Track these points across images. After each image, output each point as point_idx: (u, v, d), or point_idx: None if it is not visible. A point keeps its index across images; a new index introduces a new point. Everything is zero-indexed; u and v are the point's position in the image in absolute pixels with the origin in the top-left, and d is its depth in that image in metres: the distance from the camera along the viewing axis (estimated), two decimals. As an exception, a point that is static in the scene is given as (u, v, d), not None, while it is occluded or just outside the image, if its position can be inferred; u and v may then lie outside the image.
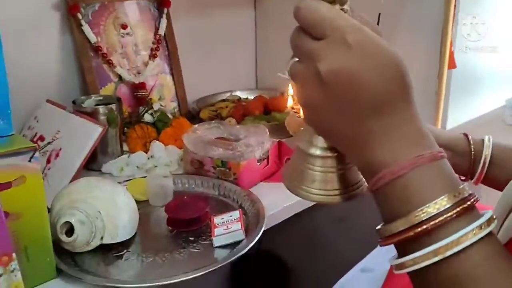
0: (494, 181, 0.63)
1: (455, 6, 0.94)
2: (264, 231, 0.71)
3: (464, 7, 0.98)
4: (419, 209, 0.33)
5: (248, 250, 0.67)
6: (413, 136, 0.35)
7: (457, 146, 0.64)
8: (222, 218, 0.71)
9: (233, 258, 0.64)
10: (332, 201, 0.40)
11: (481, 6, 1.02)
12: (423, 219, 0.32)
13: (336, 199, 0.40)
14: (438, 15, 0.96)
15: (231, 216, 0.72)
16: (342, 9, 0.36)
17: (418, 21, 1.01)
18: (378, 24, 0.92)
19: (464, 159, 0.64)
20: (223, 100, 1.25)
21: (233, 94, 1.29)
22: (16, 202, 0.56)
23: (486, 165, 0.63)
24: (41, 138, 0.89)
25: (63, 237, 0.64)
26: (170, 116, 1.09)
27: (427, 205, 0.33)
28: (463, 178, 0.67)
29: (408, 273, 0.34)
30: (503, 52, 1.12)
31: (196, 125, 0.93)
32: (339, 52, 0.33)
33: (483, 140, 0.64)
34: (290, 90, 0.90)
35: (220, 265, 0.63)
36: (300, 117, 0.84)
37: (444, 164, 0.35)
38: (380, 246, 0.37)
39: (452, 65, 0.97)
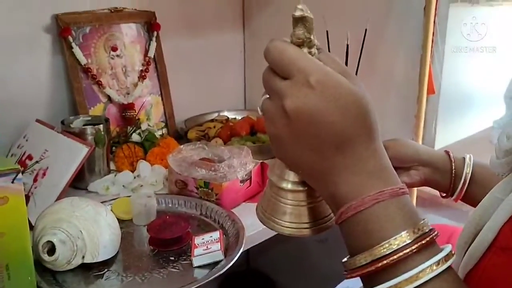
0: (474, 199, 0.64)
1: (433, 33, 0.98)
2: (251, 249, 0.72)
3: (442, 35, 1.02)
4: (380, 245, 0.34)
5: (235, 268, 0.69)
6: (375, 172, 0.36)
7: (438, 163, 0.66)
8: (203, 239, 0.73)
9: (211, 278, 0.66)
10: (302, 234, 0.42)
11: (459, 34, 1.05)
12: (385, 253, 0.34)
13: (306, 232, 0.42)
14: (417, 40, 0.99)
15: (211, 236, 0.73)
16: (309, 52, 0.38)
17: (399, 44, 1.04)
18: (364, 40, 0.92)
19: (445, 176, 0.66)
20: (212, 120, 1.28)
21: (221, 114, 1.31)
22: (-2, 222, 0.58)
23: (467, 183, 0.65)
24: (29, 157, 0.91)
25: (45, 256, 0.65)
26: (158, 136, 1.11)
27: (387, 241, 0.34)
28: (444, 194, 0.68)
29: None
30: (495, 74, 1.14)
31: (182, 146, 0.95)
32: (303, 91, 0.35)
33: (464, 158, 0.66)
34: None
35: (198, 285, 0.65)
36: None
37: (405, 200, 0.36)
38: (346, 278, 0.38)
39: (431, 90, 1.00)
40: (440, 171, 0.66)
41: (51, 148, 0.90)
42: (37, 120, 0.98)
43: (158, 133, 1.14)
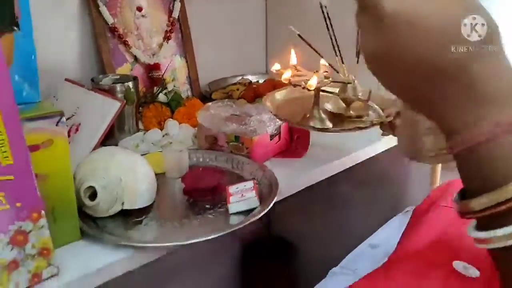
0: None
1: None
2: (272, 216, 0.73)
3: None
4: (503, 188, 0.30)
5: (257, 235, 0.69)
6: (503, 94, 0.30)
7: None
8: (237, 188, 0.74)
9: (247, 223, 0.67)
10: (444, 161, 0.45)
11: None
12: (508, 197, 0.30)
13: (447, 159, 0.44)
14: None
15: (245, 185, 0.75)
16: None
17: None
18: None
19: None
20: (235, 84, 1.28)
21: (244, 77, 1.31)
22: (43, 164, 0.59)
23: None
24: (61, 114, 0.92)
25: (87, 201, 0.67)
26: (184, 97, 1.12)
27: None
28: None
29: (493, 249, 0.32)
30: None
31: (210, 103, 0.96)
32: (377, 26, 0.31)
33: None
34: (293, 58, 0.83)
35: (235, 229, 0.66)
36: (306, 87, 0.76)
37: None
38: (462, 218, 0.34)
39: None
40: None
41: (83, 105, 0.91)
42: (67, 79, 0.99)
43: (183, 95, 1.14)
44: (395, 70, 0.33)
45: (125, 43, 1.06)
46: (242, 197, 0.72)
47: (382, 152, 1.00)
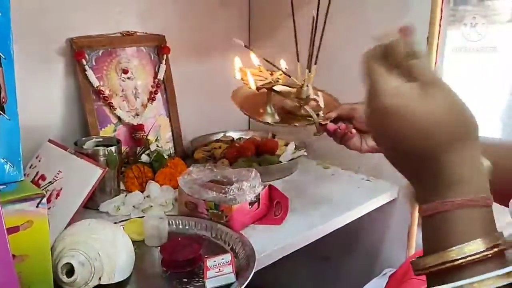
0: None
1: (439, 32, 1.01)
2: (256, 271, 0.75)
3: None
4: (451, 249, 0.36)
5: None
6: (465, 179, 0.37)
7: None
8: (215, 261, 0.75)
9: (224, 300, 0.68)
10: None
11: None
12: (454, 258, 0.36)
13: None
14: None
15: (223, 259, 0.76)
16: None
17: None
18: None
19: None
20: (217, 140, 1.30)
21: (226, 134, 1.34)
22: (22, 245, 0.60)
23: None
24: (43, 177, 0.93)
25: (64, 278, 0.67)
26: (166, 157, 1.14)
27: (460, 246, 0.36)
28: None
29: None
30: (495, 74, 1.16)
31: (191, 168, 0.98)
32: (373, 108, 0.39)
33: None
34: (237, 63, 0.91)
35: (211, 307, 0.67)
36: (249, 87, 0.86)
37: (487, 210, 0.38)
38: (415, 275, 0.40)
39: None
40: None
41: (65, 169, 0.92)
42: (50, 141, 1.00)
43: (166, 154, 1.16)
44: (389, 146, 0.40)
45: (109, 105, 1.08)
46: (219, 272, 0.73)
47: (360, 216, 1.03)
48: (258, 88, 0.85)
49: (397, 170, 0.42)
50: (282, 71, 0.87)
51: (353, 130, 0.83)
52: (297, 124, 0.86)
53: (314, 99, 0.87)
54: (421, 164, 0.38)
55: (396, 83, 0.38)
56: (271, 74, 0.89)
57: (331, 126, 0.83)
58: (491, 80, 1.10)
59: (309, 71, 0.87)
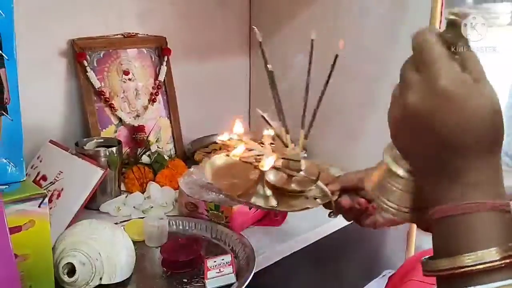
0: None
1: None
2: (255, 272, 0.75)
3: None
4: (466, 255, 0.35)
5: None
6: (482, 184, 0.37)
7: None
8: (215, 261, 0.76)
9: (224, 301, 0.69)
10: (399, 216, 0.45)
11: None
12: (468, 264, 0.35)
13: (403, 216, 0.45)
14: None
15: (223, 259, 0.76)
16: (454, 53, 0.38)
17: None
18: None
19: None
20: (217, 142, 1.31)
21: (226, 136, 1.34)
22: (24, 244, 0.61)
23: None
24: (44, 178, 0.94)
25: (65, 277, 0.68)
26: (166, 158, 1.14)
27: (475, 253, 0.35)
28: None
29: None
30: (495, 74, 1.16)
31: (191, 169, 0.98)
32: (427, 92, 0.37)
33: None
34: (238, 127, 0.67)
35: (211, 307, 0.67)
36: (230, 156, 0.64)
37: (503, 217, 0.36)
38: (424, 276, 0.39)
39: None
40: None
41: (66, 170, 0.92)
42: (51, 141, 1.01)
43: (166, 155, 1.17)
44: (421, 133, 0.38)
45: (110, 106, 1.09)
46: (219, 272, 0.73)
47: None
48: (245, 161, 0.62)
49: (414, 166, 0.41)
50: (278, 136, 0.64)
51: (374, 205, 0.61)
52: (309, 206, 0.60)
53: (308, 177, 0.62)
54: (449, 160, 0.37)
55: (458, 69, 0.37)
56: (262, 145, 0.66)
57: (345, 202, 0.61)
58: (490, 80, 1.11)
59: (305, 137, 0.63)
